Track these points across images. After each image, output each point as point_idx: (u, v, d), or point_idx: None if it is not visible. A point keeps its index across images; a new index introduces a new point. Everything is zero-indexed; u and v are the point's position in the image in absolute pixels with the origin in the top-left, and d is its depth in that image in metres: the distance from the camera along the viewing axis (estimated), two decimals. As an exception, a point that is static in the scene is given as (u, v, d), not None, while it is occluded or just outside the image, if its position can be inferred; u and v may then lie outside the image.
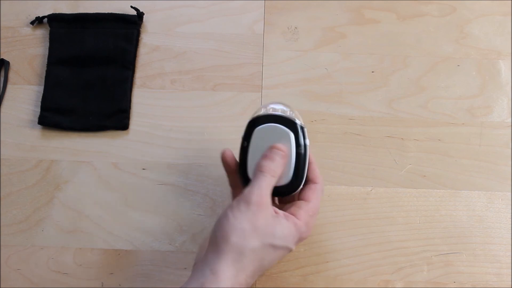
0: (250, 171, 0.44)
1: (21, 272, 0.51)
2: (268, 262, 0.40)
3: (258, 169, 0.42)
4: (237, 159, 0.46)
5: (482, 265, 0.51)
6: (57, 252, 0.52)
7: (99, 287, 0.51)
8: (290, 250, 0.42)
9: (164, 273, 0.51)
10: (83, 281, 0.51)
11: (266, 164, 0.42)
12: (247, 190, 0.41)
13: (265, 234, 0.39)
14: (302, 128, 0.44)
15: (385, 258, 0.51)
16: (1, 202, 0.54)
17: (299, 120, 0.45)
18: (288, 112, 0.46)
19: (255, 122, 0.45)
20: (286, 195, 0.45)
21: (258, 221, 0.39)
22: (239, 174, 0.45)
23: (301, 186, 0.44)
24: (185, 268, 0.51)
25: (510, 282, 0.51)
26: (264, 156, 0.43)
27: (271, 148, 0.43)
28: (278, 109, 0.46)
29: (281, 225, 0.40)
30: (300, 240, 0.42)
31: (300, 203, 0.43)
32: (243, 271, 0.38)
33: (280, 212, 0.42)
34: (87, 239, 0.52)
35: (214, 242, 0.40)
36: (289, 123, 0.44)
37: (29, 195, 0.54)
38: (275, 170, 0.42)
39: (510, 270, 0.51)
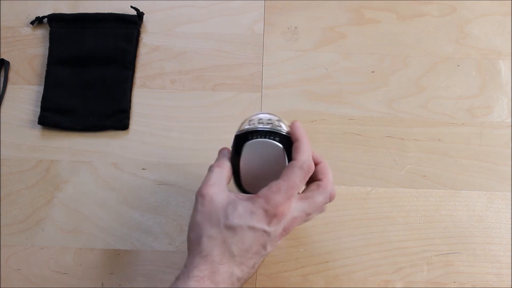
0: (245, 184, 0.45)
1: (21, 272, 0.51)
2: (236, 245, 0.39)
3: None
4: None
5: (482, 265, 0.51)
6: (57, 252, 0.52)
7: (99, 287, 0.51)
8: (265, 232, 0.40)
9: (164, 273, 0.51)
10: (83, 281, 0.51)
11: (213, 163, 0.44)
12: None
13: (218, 218, 0.40)
14: (286, 133, 0.44)
15: (385, 258, 0.51)
16: (1, 202, 0.54)
17: (285, 126, 0.44)
18: (276, 121, 0.44)
19: (243, 138, 0.44)
20: None
21: (206, 209, 0.40)
22: (235, 184, 0.45)
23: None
24: (185, 268, 0.51)
25: (510, 282, 0.51)
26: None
27: (220, 150, 0.46)
28: (264, 119, 0.44)
29: (234, 205, 0.40)
30: (270, 218, 0.40)
31: (271, 182, 0.42)
32: (208, 258, 0.39)
33: (244, 196, 0.42)
34: (87, 239, 0.52)
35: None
36: (278, 136, 0.43)
37: (29, 195, 0.54)
38: (219, 163, 0.44)
39: (510, 270, 0.51)
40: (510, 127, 0.57)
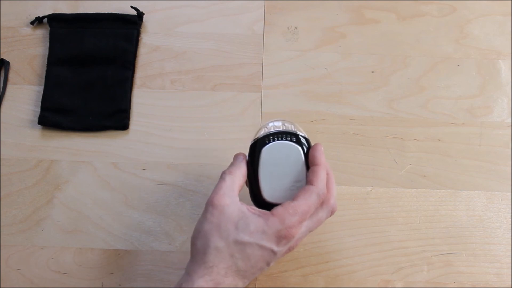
0: (266, 195, 0.43)
1: (21, 272, 0.51)
2: (242, 260, 0.40)
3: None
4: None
5: (482, 265, 0.51)
6: (57, 252, 0.52)
7: (99, 287, 0.51)
8: (272, 251, 0.40)
9: (164, 273, 0.51)
10: (83, 281, 0.51)
11: (226, 169, 0.43)
12: (210, 195, 0.41)
13: (227, 231, 0.39)
14: (307, 140, 0.44)
15: (385, 258, 0.51)
16: (1, 202, 0.54)
17: (302, 133, 0.44)
18: (290, 126, 0.45)
19: (260, 144, 0.43)
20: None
21: (217, 220, 0.40)
22: (253, 201, 0.44)
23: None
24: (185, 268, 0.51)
25: (510, 282, 0.51)
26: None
27: (234, 156, 0.45)
28: (278, 125, 0.45)
29: (247, 221, 0.40)
30: (280, 239, 0.40)
31: (286, 201, 0.42)
32: (214, 270, 0.39)
33: (257, 210, 0.41)
34: (87, 239, 0.52)
35: (190, 250, 0.42)
36: (294, 137, 0.43)
37: (29, 195, 0.54)
38: (231, 170, 0.43)
39: (510, 270, 0.51)
40: (510, 127, 0.57)
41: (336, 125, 0.57)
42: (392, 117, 0.57)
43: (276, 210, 0.41)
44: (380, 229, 0.52)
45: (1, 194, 0.54)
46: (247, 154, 0.45)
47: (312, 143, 0.45)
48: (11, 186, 0.54)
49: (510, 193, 0.54)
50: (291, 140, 0.43)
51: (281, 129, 0.44)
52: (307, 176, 0.43)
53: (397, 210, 0.53)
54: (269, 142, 0.43)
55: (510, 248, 0.52)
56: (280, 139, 0.43)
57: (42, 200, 0.54)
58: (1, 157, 0.55)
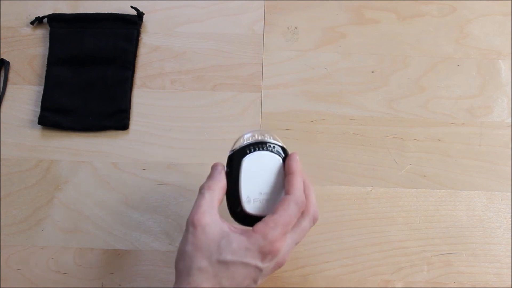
0: (247, 207, 0.42)
1: (21, 272, 0.51)
2: (227, 279, 0.39)
3: (199, 189, 0.42)
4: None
5: (482, 265, 0.51)
6: (57, 252, 0.52)
7: (99, 287, 0.51)
8: (257, 268, 0.39)
9: (164, 273, 0.51)
10: (83, 281, 0.51)
11: (204, 183, 0.42)
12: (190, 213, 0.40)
13: (209, 251, 0.38)
14: (284, 150, 0.43)
15: (385, 258, 0.51)
16: (1, 202, 0.54)
17: (280, 143, 0.44)
18: (268, 136, 0.44)
19: (239, 154, 0.42)
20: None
21: (199, 241, 0.39)
22: (231, 214, 0.43)
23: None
24: (185, 268, 0.51)
25: (510, 282, 0.51)
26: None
27: (212, 167, 0.43)
28: (256, 135, 0.44)
29: (228, 239, 0.39)
30: (264, 255, 0.39)
31: (266, 216, 0.41)
32: None
33: (238, 227, 0.40)
34: (87, 239, 0.52)
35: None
36: (274, 147, 0.43)
37: (29, 195, 0.54)
38: (210, 184, 0.41)
39: (510, 270, 0.51)
40: (510, 127, 0.57)
41: (336, 125, 0.57)
42: (392, 117, 0.57)
43: (257, 226, 0.40)
44: (380, 229, 0.52)
45: (1, 194, 0.54)
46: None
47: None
48: (11, 186, 0.54)
49: (510, 193, 0.54)
50: (271, 151, 0.43)
51: (259, 139, 0.43)
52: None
53: (397, 210, 0.53)
54: (249, 152, 0.42)
55: (510, 248, 0.52)
56: (259, 149, 0.42)
57: (42, 200, 0.54)
58: (1, 157, 0.55)
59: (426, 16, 0.62)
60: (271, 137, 0.44)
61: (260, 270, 0.39)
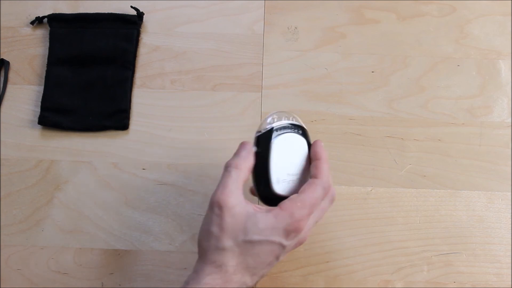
0: (276, 187, 0.42)
1: (21, 272, 0.51)
2: (252, 257, 0.39)
3: (224, 167, 0.42)
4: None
5: (482, 265, 0.51)
6: (57, 252, 0.52)
7: (99, 287, 0.51)
8: (281, 245, 0.40)
9: (164, 273, 0.51)
10: (83, 281, 0.51)
11: (230, 160, 0.42)
12: (213, 193, 0.40)
13: (235, 231, 0.39)
14: (306, 132, 0.44)
15: (385, 258, 0.51)
16: (1, 202, 0.54)
17: (305, 126, 0.45)
18: (293, 119, 0.44)
19: (268, 135, 0.43)
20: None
21: (224, 221, 0.39)
22: (258, 193, 0.44)
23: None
24: (185, 268, 0.51)
25: (510, 282, 0.51)
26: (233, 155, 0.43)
27: (239, 145, 0.43)
28: (283, 117, 0.44)
29: (255, 219, 0.39)
30: (289, 232, 0.40)
31: (293, 195, 0.42)
32: (223, 268, 0.39)
33: (262, 208, 0.41)
34: (87, 239, 0.52)
35: (198, 249, 0.41)
36: (301, 130, 0.44)
37: (29, 195, 0.54)
38: (237, 164, 0.41)
39: (510, 270, 0.51)
40: (510, 127, 0.57)
41: (336, 125, 0.57)
42: (392, 117, 0.57)
43: (284, 204, 0.40)
44: (380, 229, 0.52)
45: (1, 194, 0.54)
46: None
47: (323, 149, 0.45)
48: (11, 186, 0.54)
49: (510, 193, 0.54)
50: (297, 133, 0.44)
51: (286, 121, 0.44)
52: (310, 170, 0.43)
53: (397, 210, 0.53)
54: (278, 134, 0.43)
55: (510, 248, 0.52)
56: (287, 131, 0.43)
57: (42, 200, 0.54)
58: (1, 157, 0.55)
59: (426, 16, 0.62)
60: (296, 120, 0.45)
61: (283, 247, 0.40)
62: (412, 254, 0.51)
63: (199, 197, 0.54)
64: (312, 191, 0.41)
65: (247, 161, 0.42)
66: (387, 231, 0.52)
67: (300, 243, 0.43)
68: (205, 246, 0.40)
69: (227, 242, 0.39)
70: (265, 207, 0.41)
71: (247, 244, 0.39)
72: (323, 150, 0.43)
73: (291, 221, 0.39)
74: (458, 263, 0.51)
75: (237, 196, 0.40)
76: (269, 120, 0.44)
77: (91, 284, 0.51)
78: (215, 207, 0.40)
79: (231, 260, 0.39)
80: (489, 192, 0.54)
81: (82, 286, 0.51)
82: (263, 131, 0.44)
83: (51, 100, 0.57)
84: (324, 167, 0.43)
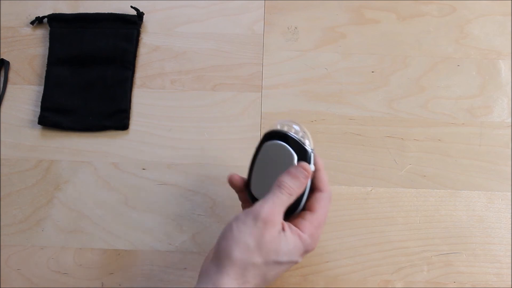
0: (253, 188, 0.45)
1: (21, 272, 0.51)
2: (272, 276, 0.40)
3: (277, 184, 0.41)
4: (244, 177, 0.46)
5: (482, 265, 0.51)
6: (57, 252, 0.52)
7: (99, 287, 0.51)
8: (296, 263, 0.42)
9: (164, 273, 0.51)
10: (83, 281, 0.51)
11: (287, 181, 0.41)
12: (259, 204, 0.40)
13: (269, 251, 0.39)
14: (310, 153, 0.44)
15: (385, 258, 0.51)
16: (1, 202, 0.54)
17: (309, 142, 0.44)
18: (300, 133, 0.44)
19: (268, 136, 0.44)
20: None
21: (264, 238, 0.39)
22: (247, 190, 0.45)
23: (298, 211, 0.43)
24: (185, 268, 0.51)
25: (510, 282, 0.51)
26: (288, 173, 0.42)
27: (298, 165, 0.42)
28: (292, 129, 0.44)
29: (287, 241, 0.40)
30: (305, 252, 0.42)
31: (305, 213, 0.43)
32: (246, 285, 0.39)
33: (286, 225, 0.41)
34: (87, 239, 0.52)
35: (217, 255, 0.40)
36: (299, 148, 0.43)
37: (29, 195, 0.54)
38: (294, 188, 0.41)
39: (510, 270, 0.51)
40: (510, 127, 0.57)
41: (336, 125, 0.57)
42: (392, 117, 0.57)
43: (304, 226, 0.41)
44: (380, 229, 0.52)
45: (1, 194, 0.54)
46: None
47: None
48: (11, 186, 0.54)
49: (510, 193, 0.54)
50: (293, 147, 0.43)
51: (292, 134, 0.44)
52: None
53: (397, 210, 0.53)
54: (274, 139, 0.44)
55: (510, 248, 0.52)
56: (286, 141, 0.43)
57: (42, 200, 0.54)
58: (1, 157, 0.55)
59: (426, 16, 0.62)
60: (304, 134, 0.44)
61: (297, 263, 0.42)
62: (412, 254, 0.51)
63: (199, 197, 0.54)
64: (322, 207, 0.43)
65: (301, 188, 0.42)
66: (387, 231, 0.52)
67: (307, 253, 0.43)
68: (235, 257, 0.38)
69: (258, 259, 0.39)
70: (286, 224, 0.41)
71: (275, 265, 0.40)
72: (319, 160, 0.44)
73: (310, 242, 0.41)
74: (458, 263, 0.51)
75: (280, 217, 0.41)
76: (278, 125, 0.45)
77: (91, 284, 0.51)
78: (259, 220, 0.39)
79: (255, 278, 0.39)
80: (489, 192, 0.54)
81: (82, 286, 0.51)
82: (267, 132, 0.45)
83: (51, 100, 0.57)
84: (324, 177, 0.44)
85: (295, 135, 0.44)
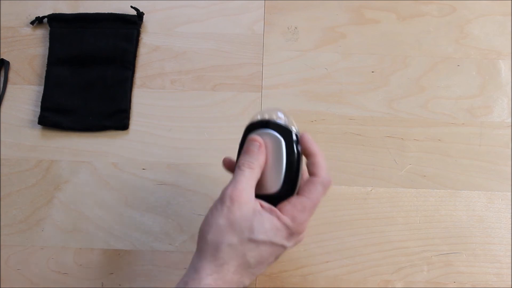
0: None
1: (21, 272, 0.51)
2: (254, 258, 0.39)
3: (236, 165, 0.42)
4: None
5: (482, 265, 0.51)
6: (57, 252, 0.52)
7: (99, 287, 0.51)
8: (283, 247, 0.41)
9: (164, 273, 0.51)
10: (83, 281, 0.51)
11: (242, 159, 0.42)
12: (224, 188, 0.40)
13: (243, 228, 0.39)
14: (296, 135, 0.43)
15: (385, 258, 0.51)
16: (1, 202, 0.54)
17: (295, 127, 0.43)
18: (284, 118, 0.44)
19: (249, 128, 0.44)
20: (276, 203, 0.42)
21: (234, 216, 0.39)
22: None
23: (294, 194, 0.42)
24: (185, 268, 0.51)
25: (510, 282, 0.51)
26: (242, 151, 0.42)
27: (247, 139, 0.42)
28: (274, 115, 0.44)
29: (261, 219, 0.39)
30: (291, 235, 0.40)
31: (292, 197, 0.42)
32: (224, 267, 0.38)
33: (266, 205, 0.41)
34: (87, 239, 0.52)
35: (197, 244, 0.41)
36: (283, 130, 0.43)
37: (29, 195, 0.54)
38: (251, 162, 0.41)
39: (510, 270, 0.51)
40: (510, 127, 0.57)
41: (336, 125, 0.57)
42: (392, 117, 0.57)
43: (285, 208, 0.41)
44: (380, 229, 0.52)
45: (1, 194, 0.54)
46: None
47: (312, 143, 0.44)
48: (11, 186, 0.54)
49: (510, 193, 0.54)
50: (279, 132, 0.42)
51: (275, 119, 0.43)
52: (285, 172, 0.42)
53: (397, 210, 0.53)
54: (257, 129, 0.43)
55: (510, 248, 0.52)
56: (270, 128, 0.42)
57: (42, 200, 0.54)
58: (1, 157, 0.55)
59: (426, 16, 0.62)
60: (287, 119, 0.44)
61: (284, 248, 0.41)
62: (412, 254, 0.51)
63: (199, 197, 0.54)
64: (312, 191, 0.41)
65: (259, 160, 0.42)
66: (387, 231, 0.52)
67: (298, 242, 0.43)
68: (209, 239, 0.39)
69: (233, 239, 0.39)
70: (267, 205, 0.41)
71: (251, 243, 0.39)
72: (313, 144, 0.43)
73: (293, 225, 0.40)
74: (458, 263, 0.51)
75: (249, 194, 0.40)
76: (259, 115, 0.44)
77: (91, 284, 0.51)
78: (226, 199, 0.39)
79: (234, 259, 0.39)
80: (489, 192, 0.54)
81: (82, 286, 0.51)
82: (248, 124, 0.44)
83: (51, 100, 0.57)
84: (321, 162, 0.42)
85: (277, 120, 0.43)
